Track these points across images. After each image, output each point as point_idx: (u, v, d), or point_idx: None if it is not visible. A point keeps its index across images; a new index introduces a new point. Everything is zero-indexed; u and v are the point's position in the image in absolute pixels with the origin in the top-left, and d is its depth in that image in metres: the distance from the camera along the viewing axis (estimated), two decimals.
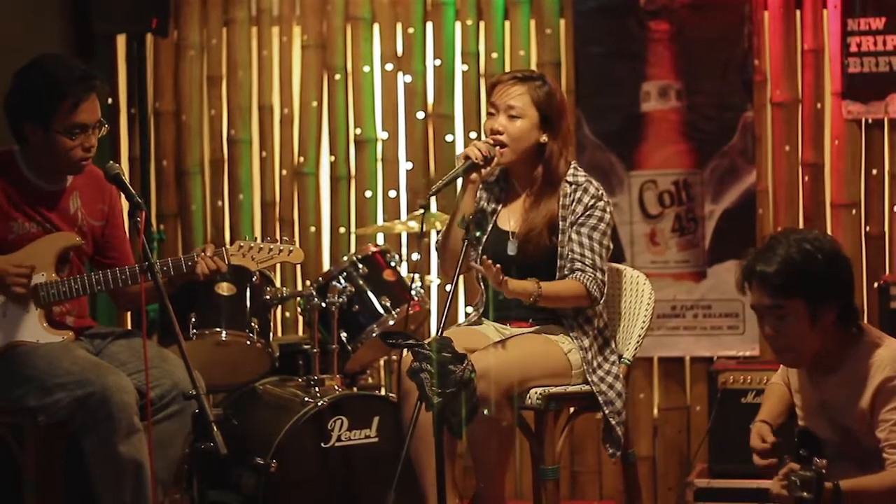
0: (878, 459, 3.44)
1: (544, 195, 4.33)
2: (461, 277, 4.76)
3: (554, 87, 4.36)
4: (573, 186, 4.32)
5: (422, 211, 5.22)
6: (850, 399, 3.50)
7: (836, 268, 3.48)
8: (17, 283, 4.12)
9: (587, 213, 4.29)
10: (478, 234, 4.25)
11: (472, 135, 5.85)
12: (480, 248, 4.34)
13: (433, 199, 5.79)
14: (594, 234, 4.28)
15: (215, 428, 3.60)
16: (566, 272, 4.27)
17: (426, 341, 3.68)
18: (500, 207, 4.42)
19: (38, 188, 4.24)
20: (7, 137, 4.26)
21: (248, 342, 4.78)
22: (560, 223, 4.29)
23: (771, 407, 3.75)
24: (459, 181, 4.29)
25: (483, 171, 4.24)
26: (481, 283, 4.43)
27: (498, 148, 4.28)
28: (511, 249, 4.32)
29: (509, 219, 4.38)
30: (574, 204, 4.30)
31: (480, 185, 4.35)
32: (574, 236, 4.28)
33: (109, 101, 5.93)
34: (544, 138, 4.32)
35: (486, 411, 3.91)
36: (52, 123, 4.11)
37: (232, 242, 4.38)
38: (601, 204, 4.31)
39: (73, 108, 4.11)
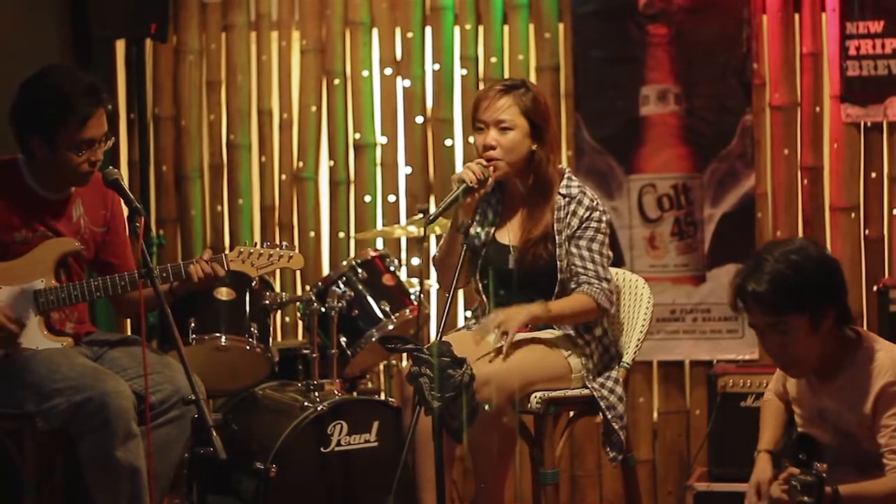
0: (877, 465, 3.44)
1: (538, 205, 4.32)
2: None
3: (536, 91, 4.35)
4: (567, 199, 4.32)
5: (421, 216, 5.23)
6: (851, 405, 3.49)
7: (826, 273, 3.48)
8: (3, 335, 4.12)
9: (583, 225, 4.29)
10: (478, 230, 4.24)
11: (472, 139, 5.83)
12: (480, 262, 4.35)
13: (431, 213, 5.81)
14: (593, 246, 4.29)
15: (215, 433, 3.59)
16: (573, 286, 4.28)
17: (425, 346, 3.69)
18: (496, 222, 4.41)
19: (41, 197, 4.23)
20: (11, 145, 4.26)
21: (248, 347, 4.78)
22: (556, 236, 4.29)
23: (771, 433, 3.74)
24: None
25: (478, 193, 4.22)
26: (482, 294, 4.43)
27: (493, 164, 4.26)
28: (511, 263, 4.32)
29: (508, 232, 4.38)
30: (569, 217, 4.30)
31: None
32: (574, 250, 4.28)
33: (109, 106, 5.93)
34: (534, 147, 4.31)
35: (486, 407, 3.92)
36: (59, 139, 4.10)
37: (231, 247, 4.39)
38: (596, 214, 4.31)
39: (81, 124, 4.11)
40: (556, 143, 4.39)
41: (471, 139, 5.79)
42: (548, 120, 4.34)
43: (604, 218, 4.33)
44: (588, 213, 4.30)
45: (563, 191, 4.33)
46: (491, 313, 4.23)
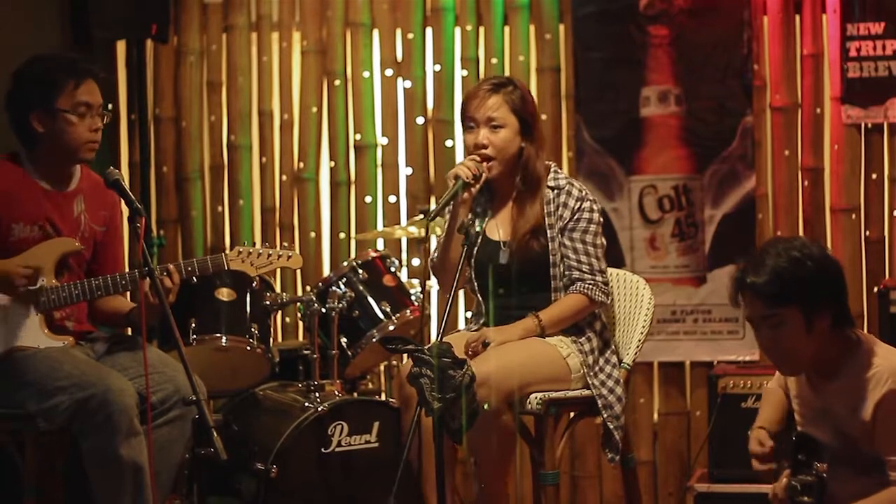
0: (876, 466, 3.44)
1: (527, 200, 4.35)
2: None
3: (523, 88, 4.39)
4: (556, 191, 4.34)
5: (422, 216, 5.24)
6: (850, 408, 3.49)
7: (827, 272, 3.49)
8: (23, 284, 4.12)
9: (575, 217, 4.32)
10: (478, 229, 4.26)
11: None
12: (473, 260, 4.36)
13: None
14: (587, 238, 4.32)
15: (216, 433, 3.60)
16: (566, 281, 4.30)
17: (426, 346, 3.69)
18: (486, 219, 4.43)
19: (43, 190, 4.24)
20: (11, 142, 4.27)
21: (249, 348, 4.78)
22: (548, 230, 4.31)
23: (769, 413, 3.75)
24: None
25: (473, 189, 4.25)
26: (478, 294, 4.43)
27: (485, 163, 4.29)
28: (503, 258, 4.34)
29: (497, 228, 4.40)
30: (560, 209, 4.32)
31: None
32: (567, 242, 4.31)
33: (110, 106, 5.93)
34: (523, 143, 4.34)
35: (486, 406, 3.93)
36: (57, 103, 4.16)
37: (232, 248, 4.39)
38: (587, 204, 4.34)
39: (76, 87, 4.19)
40: (543, 139, 4.43)
41: None
42: (535, 116, 4.39)
43: (595, 207, 4.36)
44: (579, 203, 4.33)
45: (550, 183, 4.36)
46: (485, 329, 4.27)
